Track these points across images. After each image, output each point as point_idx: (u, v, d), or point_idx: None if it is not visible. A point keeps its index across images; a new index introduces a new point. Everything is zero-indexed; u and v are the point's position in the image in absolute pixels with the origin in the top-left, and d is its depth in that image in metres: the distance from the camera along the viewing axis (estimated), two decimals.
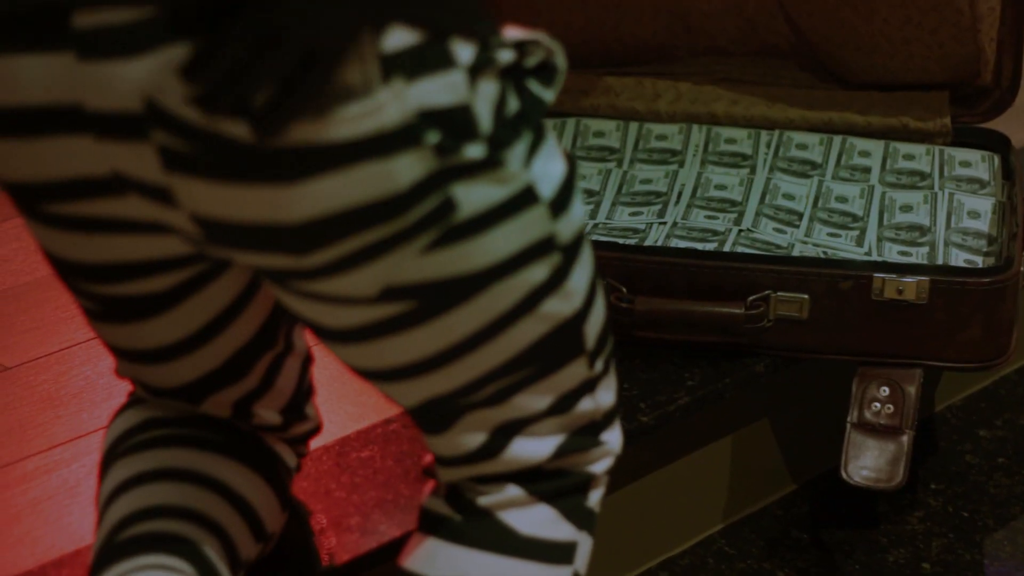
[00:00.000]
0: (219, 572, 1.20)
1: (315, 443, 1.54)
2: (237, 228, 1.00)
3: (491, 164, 0.98)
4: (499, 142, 0.98)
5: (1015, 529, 1.79)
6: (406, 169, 0.95)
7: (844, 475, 1.66)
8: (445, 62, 0.94)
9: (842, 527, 1.79)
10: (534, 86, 1.03)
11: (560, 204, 1.04)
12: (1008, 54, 1.91)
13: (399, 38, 0.93)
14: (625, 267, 1.69)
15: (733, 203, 1.84)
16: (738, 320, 1.67)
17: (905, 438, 1.67)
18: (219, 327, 1.19)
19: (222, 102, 0.92)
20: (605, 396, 1.18)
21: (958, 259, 1.75)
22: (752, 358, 1.71)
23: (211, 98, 0.92)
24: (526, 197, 1.01)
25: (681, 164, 1.92)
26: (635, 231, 1.78)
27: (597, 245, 1.70)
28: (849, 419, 1.68)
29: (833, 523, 1.80)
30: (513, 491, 1.16)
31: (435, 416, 1.14)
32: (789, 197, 1.85)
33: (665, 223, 1.80)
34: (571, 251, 1.07)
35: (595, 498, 1.21)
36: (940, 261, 1.74)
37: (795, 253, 1.74)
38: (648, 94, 2.01)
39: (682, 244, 1.75)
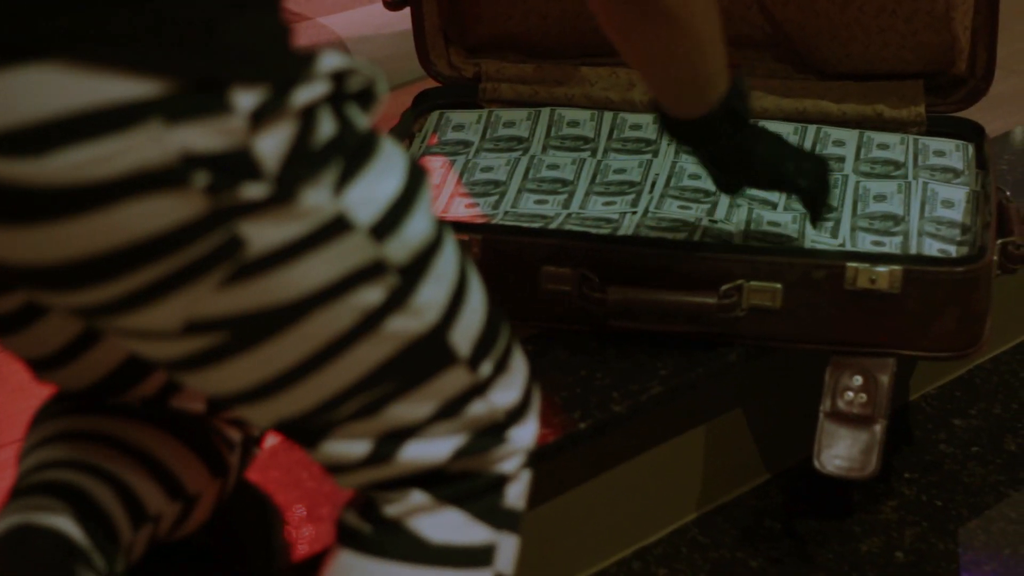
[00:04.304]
0: (105, 514, 1.23)
1: None
2: (4, 268, 1.00)
3: (280, 201, 0.98)
4: (292, 179, 0.98)
5: (988, 518, 1.80)
6: (170, 210, 0.95)
7: (817, 464, 1.66)
8: (216, 109, 0.94)
9: (816, 516, 1.80)
10: (352, 112, 1.03)
11: (387, 227, 1.03)
12: (982, 43, 1.91)
13: (161, 83, 0.93)
14: (597, 257, 1.68)
15: (707, 192, 1.83)
16: (711, 309, 1.66)
17: (878, 427, 1.67)
18: (90, 340, 1.20)
19: None
20: (502, 396, 1.17)
21: (932, 248, 1.75)
22: (725, 348, 1.71)
23: None
24: (333, 228, 1.01)
25: (655, 154, 1.92)
26: (608, 221, 1.78)
27: (570, 235, 1.72)
28: (822, 408, 1.68)
29: (807, 512, 1.80)
30: (418, 497, 1.15)
31: (297, 433, 1.14)
32: None
33: (638, 213, 1.80)
34: (413, 270, 1.06)
35: (514, 495, 1.19)
36: (914, 251, 1.74)
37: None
38: (623, 83, 2.01)
39: (653, 234, 1.75)
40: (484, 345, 1.14)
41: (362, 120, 1.04)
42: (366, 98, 1.04)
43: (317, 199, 0.99)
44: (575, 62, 2.04)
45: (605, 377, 1.67)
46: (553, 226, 1.76)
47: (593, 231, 1.74)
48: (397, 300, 1.06)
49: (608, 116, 1.99)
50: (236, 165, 0.95)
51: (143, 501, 1.27)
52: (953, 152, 1.92)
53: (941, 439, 1.93)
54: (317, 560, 1.44)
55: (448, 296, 1.09)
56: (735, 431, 1.81)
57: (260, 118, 0.96)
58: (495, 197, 1.85)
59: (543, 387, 1.27)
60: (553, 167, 1.90)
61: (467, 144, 1.96)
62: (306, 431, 1.13)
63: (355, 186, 1.02)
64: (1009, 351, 2.09)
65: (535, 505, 1.27)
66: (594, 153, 1.93)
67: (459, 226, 1.68)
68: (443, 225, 1.11)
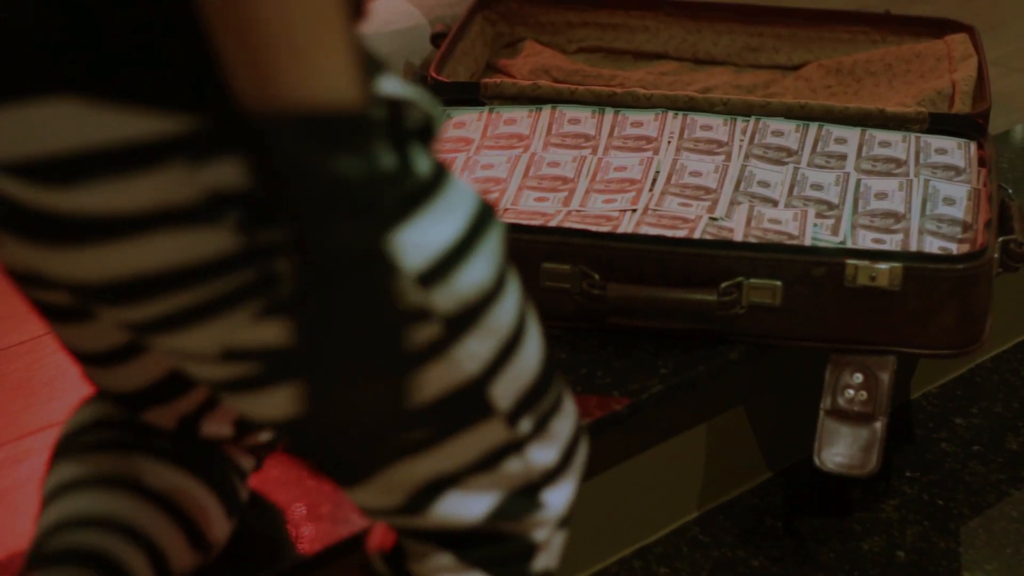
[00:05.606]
0: None
1: None
2: (49, 280, 1.02)
3: None
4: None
5: (990, 517, 1.79)
6: (200, 244, 0.94)
7: (817, 462, 1.66)
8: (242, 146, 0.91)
9: (817, 515, 1.79)
10: (415, 151, 0.98)
11: (436, 275, 0.99)
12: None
13: (182, 120, 0.91)
14: (598, 254, 1.68)
15: (708, 190, 1.83)
16: (711, 307, 1.66)
17: (878, 425, 1.67)
18: (144, 346, 1.19)
19: None
20: (540, 455, 1.12)
21: (932, 246, 1.75)
22: (726, 345, 1.71)
23: None
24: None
25: (656, 151, 1.92)
26: (609, 218, 1.78)
27: (570, 232, 1.71)
28: (822, 406, 1.68)
29: (808, 511, 1.80)
30: (446, 559, 1.12)
31: (334, 472, 1.11)
32: (764, 184, 1.85)
33: (638, 210, 1.79)
34: (460, 321, 1.01)
35: (543, 562, 1.15)
36: (914, 248, 1.74)
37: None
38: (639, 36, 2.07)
39: (653, 232, 1.74)
40: (527, 402, 1.10)
41: (423, 161, 0.98)
42: (426, 135, 0.99)
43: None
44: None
45: (605, 375, 1.67)
46: (553, 223, 1.76)
47: (593, 228, 1.74)
48: (436, 349, 1.02)
49: (609, 113, 1.99)
50: (262, 204, 0.92)
51: (168, 559, 1.25)
52: (955, 150, 1.92)
53: (942, 437, 1.93)
54: (317, 559, 1.44)
55: (496, 350, 1.05)
56: (736, 429, 1.80)
57: None
58: (495, 194, 1.84)
59: None
60: (554, 164, 1.90)
61: (468, 141, 1.95)
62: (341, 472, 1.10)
63: (406, 228, 0.97)
64: (1010, 349, 2.09)
65: None
66: (594, 151, 1.93)
67: None
68: (507, 272, 1.05)
